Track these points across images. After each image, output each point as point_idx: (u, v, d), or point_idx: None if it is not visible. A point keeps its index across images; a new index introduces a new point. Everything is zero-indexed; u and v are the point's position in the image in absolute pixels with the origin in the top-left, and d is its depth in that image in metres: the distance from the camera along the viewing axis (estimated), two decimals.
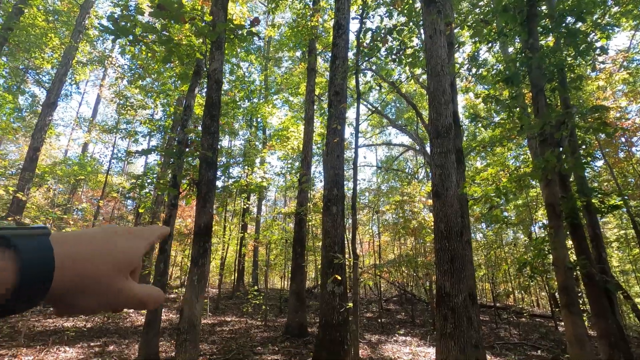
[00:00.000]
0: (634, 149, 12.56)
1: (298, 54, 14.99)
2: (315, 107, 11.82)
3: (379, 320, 10.86)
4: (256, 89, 14.48)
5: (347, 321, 5.08)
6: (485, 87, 12.60)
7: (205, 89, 4.36)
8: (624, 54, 11.68)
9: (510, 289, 15.61)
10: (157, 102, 12.99)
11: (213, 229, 12.80)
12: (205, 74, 5.63)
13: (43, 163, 14.97)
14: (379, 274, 11.83)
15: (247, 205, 16.41)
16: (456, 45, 9.29)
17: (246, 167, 12.02)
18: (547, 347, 8.20)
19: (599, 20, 7.44)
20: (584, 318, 8.03)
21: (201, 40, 6.32)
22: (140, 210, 10.65)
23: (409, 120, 17.69)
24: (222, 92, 12.88)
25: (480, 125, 6.82)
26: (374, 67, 13.87)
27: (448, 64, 4.98)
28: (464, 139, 15.10)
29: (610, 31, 7.27)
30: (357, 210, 15.81)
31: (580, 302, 7.87)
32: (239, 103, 13.28)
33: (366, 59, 7.08)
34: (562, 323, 6.71)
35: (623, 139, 11.98)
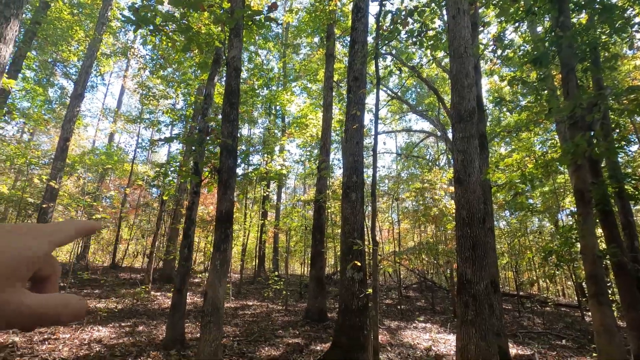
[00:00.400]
0: None
1: (316, 40, 14.81)
2: (334, 93, 11.71)
3: (399, 307, 10.89)
4: (274, 77, 14.46)
5: (367, 307, 5.12)
6: (512, 69, 12.09)
7: (225, 77, 4.39)
8: None
9: (535, 278, 15.24)
10: (178, 91, 13.22)
11: (234, 215, 13.10)
12: (224, 62, 5.65)
13: (73, 153, 15.64)
14: (398, 261, 11.80)
15: (267, 193, 16.63)
16: (480, 27, 8.91)
17: (265, 154, 12.12)
18: (573, 337, 8.02)
19: None
20: (613, 308, 7.77)
21: (220, 28, 6.33)
22: (164, 198, 10.99)
23: (429, 105, 17.27)
24: (241, 80, 12.95)
25: (505, 109, 6.57)
26: (394, 52, 13.54)
27: (472, 46, 4.79)
28: (488, 124, 14.62)
29: None
30: (377, 197, 15.74)
31: (610, 292, 7.61)
32: (257, 91, 13.31)
33: (386, 42, 6.91)
34: (589, 313, 6.52)
35: None
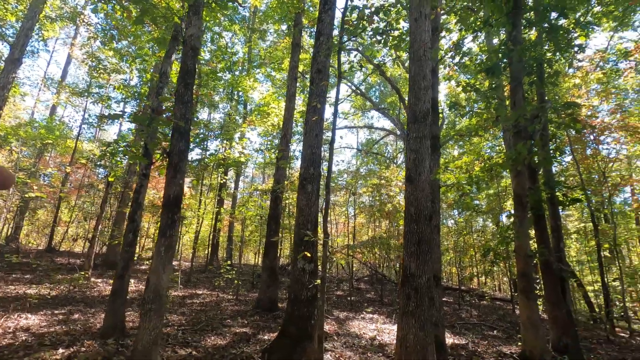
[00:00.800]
0: (600, 147, 13.13)
1: (284, 27, 14.54)
2: (298, 84, 11.61)
3: (349, 299, 11.19)
4: (238, 61, 14.03)
5: (316, 297, 5.20)
6: (468, 76, 12.71)
7: (181, 56, 4.18)
8: (601, 53, 12.00)
9: (475, 273, 16.38)
10: (133, 67, 12.39)
11: (188, 202, 12.64)
12: (182, 39, 5.37)
13: (7, 124, 14.11)
14: (351, 254, 12.10)
15: (224, 180, 16.21)
16: (442, 32, 9.27)
17: (225, 141, 11.78)
18: (503, 328, 8.74)
19: (581, 19, 7.56)
20: (539, 303, 8.57)
21: (180, 4, 6.00)
22: (111, 179, 10.31)
23: (391, 104, 17.73)
24: (203, 62, 12.41)
25: (459, 114, 6.93)
26: (360, 48, 13.68)
27: (431, 49, 4.97)
28: (444, 127, 15.33)
29: (590, 30, 7.40)
30: (335, 191, 15.98)
31: (537, 288, 8.36)
32: (219, 74, 12.86)
33: (352, 38, 6.96)
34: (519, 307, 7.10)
35: (592, 137, 12.48)
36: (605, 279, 10.87)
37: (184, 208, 12.60)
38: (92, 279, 10.24)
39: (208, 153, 11.48)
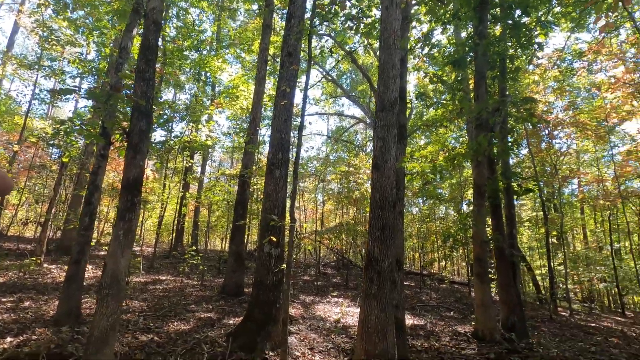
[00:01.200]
0: (553, 141, 14.02)
1: (255, 7, 14.07)
2: (268, 67, 11.35)
3: (315, 283, 11.39)
4: (207, 40, 13.46)
5: (281, 282, 5.24)
6: (437, 68, 13.00)
7: (142, 30, 3.94)
8: (558, 53, 12.67)
9: (436, 258, 17.18)
10: (90, 40, 11.53)
11: (151, 186, 12.15)
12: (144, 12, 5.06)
13: None
14: (319, 240, 12.26)
15: (190, 164, 15.71)
16: (413, 23, 9.37)
17: (191, 123, 11.36)
18: (460, 310, 9.28)
19: (542, 18, 7.90)
20: (492, 286, 9.15)
21: None
22: (65, 160, 9.66)
23: (362, 92, 17.83)
24: (169, 38, 11.78)
25: (426, 104, 7.12)
26: (332, 34, 13.56)
27: (401, 38, 5.03)
28: (412, 116, 15.68)
29: (550, 29, 7.76)
30: (304, 177, 15.99)
31: (492, 272, 8.92)
32: (186, 53, 12.29)
33: (324, 22, 6.87)
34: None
35: (546, 131, 13.28)
36: (552, 264, 11.79)
37: (147, 192, 12.12)
38: (45, 265, 9.68)
39: (173, 135, 11.04)
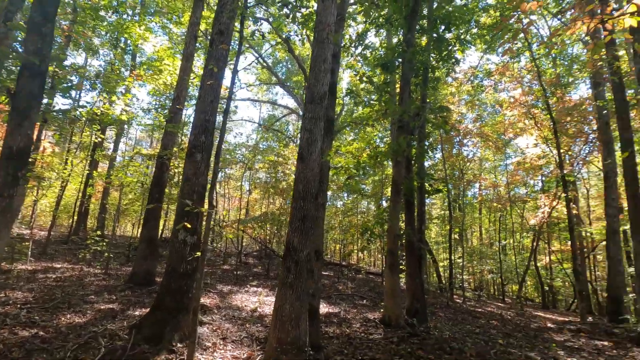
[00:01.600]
0: (463, 148, 15.73)
1: None
2: (198, 44, 10.63)
3: (235, 273, 11.15)
4: (128, 2, 12.07)
5: (196, 271, 5.00)
6: (369, 69, 13.55)
7: None
8: (472, 70, 14.17)
9: (354, 250, 18.12)
10: None
11: (48, 160, 10.55)
12: None
13: None
14: (242, 228, 11.99)
15: (101, 140, 14.05)
16: (350, 22, 9.62)
17: (104, 93, 10.11)
18: (372, 298, 9.93)
19: (462, 36, 8.73)
20: (402, 276, 9.96)
21: None
22: None
23: (297, 83, 17.78)
24: None
25: (355, 101, 7.39)
26: (270, 19, 13.23)
27: (335, 33, 5.10)
28: (343, 112, 16.15)
29: (467, 47, 8.61)
30: (231, 164, 15.45)
31: (402, 263, 9.69)
32: (102, 14, 10.87)
33: (260, 5, 6.66)
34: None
35: (457, 139, 14.82)
36: (452, 257, 13.30)
37: (43, 167, 10.52)
38: None
39: (80, 104, 9.71)
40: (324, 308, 7.91)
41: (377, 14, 7.90)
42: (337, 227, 15.15)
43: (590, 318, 10.17)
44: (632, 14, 4.18)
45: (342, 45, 7.63)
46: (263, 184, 14.98)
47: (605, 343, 7.02)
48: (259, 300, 7.96)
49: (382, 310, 7.90)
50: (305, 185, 4.40)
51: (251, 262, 14.50)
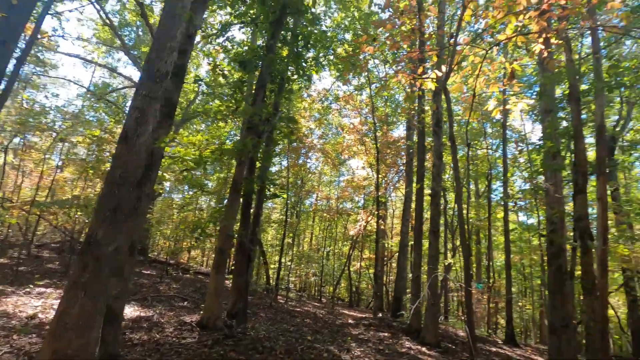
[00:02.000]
0: (307, 160, 17.07)
1: None
2: None
3: (15, 269, 8.68)
4: None
5: None
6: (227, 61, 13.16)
7: None
8: (325, 91, 15.64)
9: (185, 247, 16.98)
10: None
11: None
12: None
13: None
14: (37, 213, 9.47)
15: None
16: (218, 10, 9.13)
17: None
18: (195, 299, 9.43)
19: (320, 59, 9.48)
20: (229, 276, 9.85)
21: None
22: None
23: (145, 55, 15.58)
24: None
25: (204, 93, 6.99)
26: None
27: (188, 11, 4.71)
28: (197, 101, 15.09)
29: (320, 69, 9.44)
30: (34, 130, 12.11)
31: (233, 263, 9.61)
32: None
33: None
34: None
35: (304, 151, 15.99)
36: (283, 259, 14.10)
37: None
38: None
39: None
40: (134, 312, 7.02)
41: (244, 10, 7.77)
42: (167, 222, 13.84)
43: (380, 314, 12.48)
44: (432, 79, 5.44)
45: (203, 31, 7.17)
46: (80, 162, 12.31)
47: (386, 334, 8.72)
48: (44, 304, 6.40)
49: (202, 312, 7.60)
50: (126, 170, 3.83)
51: (46, 256, 11.63)
